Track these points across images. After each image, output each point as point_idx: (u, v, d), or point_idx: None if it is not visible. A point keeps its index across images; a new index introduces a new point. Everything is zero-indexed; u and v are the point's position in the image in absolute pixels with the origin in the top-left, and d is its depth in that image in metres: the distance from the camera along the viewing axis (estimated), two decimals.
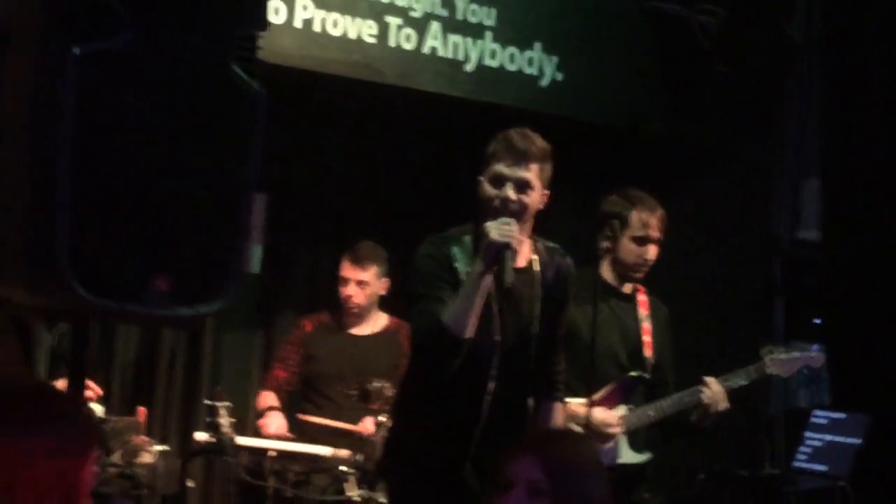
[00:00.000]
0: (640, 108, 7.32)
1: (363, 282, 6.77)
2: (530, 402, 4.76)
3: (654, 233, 5.65)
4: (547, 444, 3.38)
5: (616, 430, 5.49)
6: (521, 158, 4.54)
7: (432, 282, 4.54)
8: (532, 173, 4.55)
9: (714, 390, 5.58)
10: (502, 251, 4.39)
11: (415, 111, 7.07)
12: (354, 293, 6.77)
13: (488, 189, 4.57)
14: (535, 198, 4.58)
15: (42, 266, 2.94)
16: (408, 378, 4.87)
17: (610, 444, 5.45)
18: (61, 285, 2.90)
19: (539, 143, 4.60)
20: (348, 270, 6.79)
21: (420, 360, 4.76)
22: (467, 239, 4.63)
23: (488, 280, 4.43)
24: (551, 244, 4.80)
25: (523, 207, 4.54)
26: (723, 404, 5.59)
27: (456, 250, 4.59)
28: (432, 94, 6.57)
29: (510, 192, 4.52)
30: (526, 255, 4.67)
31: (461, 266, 4.56)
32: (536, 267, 4.70)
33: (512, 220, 4.45)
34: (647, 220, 5.62)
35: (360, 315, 6.85)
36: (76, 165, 2.96)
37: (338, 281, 6.84)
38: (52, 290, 2.94)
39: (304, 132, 7.42)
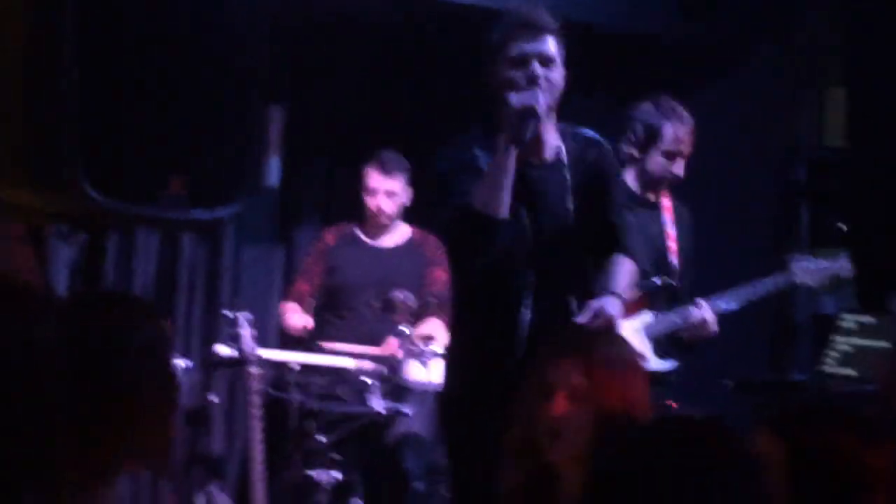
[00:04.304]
0: (657, 13, 7.20)
1: (392, 192, 6.65)
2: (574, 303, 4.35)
3: (686, 148, 5.50)
4: (589, 347, 3.24)
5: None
6: (540, 32, 4.17)
7: (455, 179, 4.17)
8: (552, 47, 4.17)
9: (706, 316, 5.45)
10: (527, 118, 4.04)
11: (434, 21, 6.96)
12: (385, 204, 6.66)
13: (506, 73, 4.17)
14: (559, 75, 4.21)
15: (49, 165, 2.86)
16: (455, 293, 4.52)
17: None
18: (71, 186, 2.83)
19: (551, 16, 4.22)
20: (377, 181, 6.65)
21: (459, 262, 4.40)
22: (485, 138, 4.22)
23: (514, 156, 4.05)
24: (582, 129, 4.43)
25: (551, 85, 4.15)
26: (710, 329, 5.47)
27: (478, 150, 4.21)
28: (454, 4, 6.44)
29: (537, 69, 4.11)
30: (553, 145, 4.33)
31: (485, 163, 4.15)
32: (565, 158, 4.34)
33: (537, 88, 4.08)
34: (680, 135, 5.47)
35: (384, 226, 6.77)
36: (83, 56, 2.86)
37: (363, 192, 6.70)
38: (62, 192, 2.87)
39: (319, 44, 7.32)
